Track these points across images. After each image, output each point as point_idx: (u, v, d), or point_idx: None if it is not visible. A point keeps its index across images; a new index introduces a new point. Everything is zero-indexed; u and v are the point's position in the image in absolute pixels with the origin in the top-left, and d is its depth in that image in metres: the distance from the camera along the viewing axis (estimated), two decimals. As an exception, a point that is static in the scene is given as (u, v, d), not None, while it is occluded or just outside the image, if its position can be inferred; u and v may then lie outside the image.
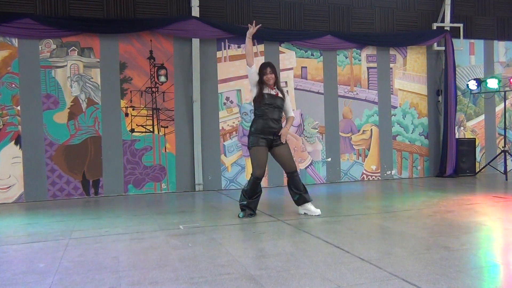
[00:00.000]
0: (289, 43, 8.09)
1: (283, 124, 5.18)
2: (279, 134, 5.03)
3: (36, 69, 6.88)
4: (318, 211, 5.13)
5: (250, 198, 5.09)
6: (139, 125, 7.36)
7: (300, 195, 5.14)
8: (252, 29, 5.09)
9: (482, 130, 9.43)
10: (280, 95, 5.10)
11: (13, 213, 5.98)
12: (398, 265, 3.21)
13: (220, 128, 7.76)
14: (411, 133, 8.90)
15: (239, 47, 7.82)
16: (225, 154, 7.77)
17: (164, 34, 7.41)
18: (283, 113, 5.17)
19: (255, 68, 5.08)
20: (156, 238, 4.25)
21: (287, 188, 5.25)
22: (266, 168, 7.79)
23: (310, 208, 5.16)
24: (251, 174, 5.09)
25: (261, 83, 5.04)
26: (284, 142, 5.07)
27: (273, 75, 5.03)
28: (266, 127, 4.99)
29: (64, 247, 3.96)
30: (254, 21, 5.18)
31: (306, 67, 8.21)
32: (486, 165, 8.92)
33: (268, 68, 5.04)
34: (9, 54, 6.78)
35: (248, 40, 5.12)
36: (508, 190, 7.16)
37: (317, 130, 8.26)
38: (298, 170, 8.00)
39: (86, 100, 7.11)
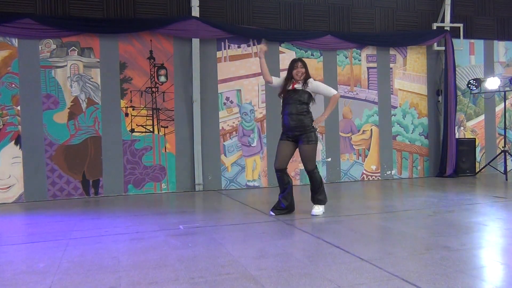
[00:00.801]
0: (289, 43, 8.09)
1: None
2: (307, 127, 5.11)
3: (36, 69, 6.88)
4: (319, 211, 5.19)
5: (282, 192, 5.22)
6: (139, 125, 7.36)
7: (311, 194, 5.28)
8: (263, 48, 5.22)
9: (482, 130, 9.43)
10: (298, 86, 5.11)
11: (13, 213, 5.98)
12: (398, 265, 3.21)
13: (220, 128, 7.75)
14: (411, 133, 8.90)
15: (239, 47, 7.82)
16: (225, 154, 7.77)
17: (164, 34, 7.41)
18: (306, 105, 5.12)
19: (276, 80, 5.30)
20: (156, 238, 4.25)
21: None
22: (266, 168, 7.88)
23: (313, 207, 5.22)
24: None
25: (286, 79, 5.17)
26: (316, 127, 5.20)
27: (303, 69, 5.10)
28: (284, 123, 5.15)
29: (64, 247, 3.96)
30: (264, 42, 5.45)
31: (306, 67, 8.20)
32: (486, 165, 8.91)
33: (299, 63, 5.15)
34: (9, 54, 6.78)
35: (262, 60, 5.23)
36: (508, 190, 7.16)
37: (317, 130, 8.23)
38: (298, 170, 8.02)
39: (86, 100, 7.11)
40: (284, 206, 5.22)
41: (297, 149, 5.22)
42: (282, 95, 5.19)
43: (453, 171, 8.73)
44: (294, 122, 5.07)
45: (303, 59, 5.35)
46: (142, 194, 7.30)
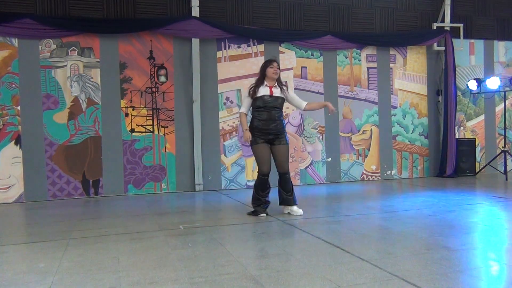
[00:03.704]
0: (289, 43, 8.09)
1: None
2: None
3: (36, 69, 6.88)
4: (300, 211, 5.21)
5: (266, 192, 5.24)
6: (139, 125, 7.36)
7: (286, 197, 5.22)
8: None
9: (482, 130, 9.43)
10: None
11: (13, 213, 5.98)
12: (398, 265, 3.21)
13: (220, 128, 7.75)
14: (411, 133, 8.90)
15: (239, 47, 7.83)
16: (225, 154, 7.77)
17: (164, 34, 7.41)
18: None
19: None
20: (156, 238, 4.25)
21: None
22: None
23: (293, 208, 5.23)
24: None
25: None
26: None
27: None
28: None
29: (64, 247, 3.96)
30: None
31: (306, 67, 8.21)
32: (486, 165, 8.92)
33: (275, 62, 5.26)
34: (9, 54, 6.78)
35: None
36: (508, 190, 7.16)
37: (317, 130, 8.26)
38: (298, 170, 8.02)
39: (86, 100, 7.11)
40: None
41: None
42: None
43: (453, 171, 8.73)
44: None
45: None
46: (142, 194, 7.30)
